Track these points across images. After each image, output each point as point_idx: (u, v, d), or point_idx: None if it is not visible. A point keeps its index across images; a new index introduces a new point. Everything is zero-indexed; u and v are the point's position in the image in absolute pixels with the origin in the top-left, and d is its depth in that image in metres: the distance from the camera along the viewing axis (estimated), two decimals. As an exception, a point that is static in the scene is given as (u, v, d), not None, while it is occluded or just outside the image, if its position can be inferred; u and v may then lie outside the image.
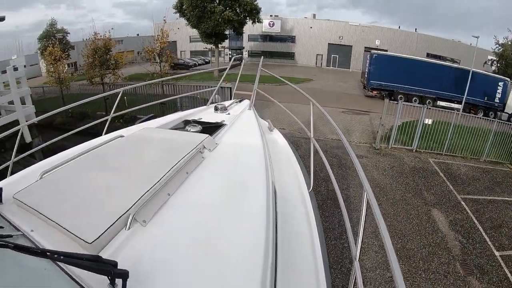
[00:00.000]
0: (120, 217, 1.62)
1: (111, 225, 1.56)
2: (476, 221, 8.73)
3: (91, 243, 1.44)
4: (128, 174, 2.15)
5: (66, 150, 2.92)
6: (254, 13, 32.52)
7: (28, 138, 7.31)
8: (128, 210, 1.67)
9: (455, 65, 25.88)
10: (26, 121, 7.02)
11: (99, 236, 1.48)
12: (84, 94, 20.17)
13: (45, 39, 33.26)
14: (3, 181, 2.34)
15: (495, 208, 9.58)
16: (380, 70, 23.87)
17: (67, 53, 27.96)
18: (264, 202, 1.97)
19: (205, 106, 4.55)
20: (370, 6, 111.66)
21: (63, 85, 16.53)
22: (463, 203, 9.64)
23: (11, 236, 1.49)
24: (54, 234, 1.59)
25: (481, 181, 11.43)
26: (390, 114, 13.42)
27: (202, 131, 3.20)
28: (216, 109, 4.18)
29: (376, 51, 26.68)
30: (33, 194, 1.89)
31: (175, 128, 3.47)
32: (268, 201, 2.00)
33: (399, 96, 23.74)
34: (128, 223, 1.63)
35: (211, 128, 3.32)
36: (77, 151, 2.67)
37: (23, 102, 8.82)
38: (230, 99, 5.28)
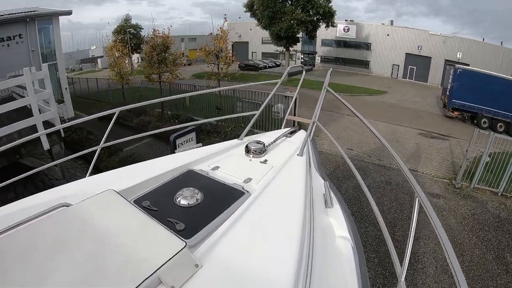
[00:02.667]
0: None
1: None
2: None
3: None
4: None
5: None
6: (328, 16, 30.88)
7: (46, 145, 6.61)
8: None
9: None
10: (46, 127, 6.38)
11: None
12: (143, 89, 20.40)
13: (117, 33, 34.99)
14: None
15: None
16: (464, 88, 20.71)
17: (128, 48, 28.86)
18: None
19: (236, 140, 3.09)
20: (453, 15, 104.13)
21: (124, 80, 16.59)
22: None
23: None
24: None
25: None
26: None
27: (198, 206, 1.91)
28: (247, 150, 2.67)
29: (461, 65, 23.53)
30: None
31: (158, 190, 2.15)
32: None
33: (483, 121, 20.74)
34: None
35: (215, 202, 1.96)
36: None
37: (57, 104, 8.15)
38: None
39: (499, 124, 20.57)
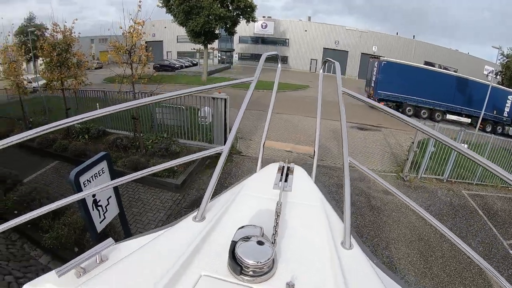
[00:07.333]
0: None
1: None
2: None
3: None
4: None
5: None
6: (248, 11, 29.82)
7: None
8: None
9: (470, 78, 23.59)
10: None
11: None
12: (45, 99, 17.06)
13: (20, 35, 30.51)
14: None
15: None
16: (389, 79, 21.64)
17: (32, 51, 24.87)
18: None
19: (192, 222, 1.30)
20: (365, 13, 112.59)
21: (21, 91, 13.16)
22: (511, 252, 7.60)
23: None
24: None
25: (521, 218, 9.48)
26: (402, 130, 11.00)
27: None
28: (239, 270, 0.93)
29: (386, 58, 24.29)
30: None
31: None
32: None
33: (408, 109, 21.81)
34: None
35: None
36: None
37: None
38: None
39: (422, 111, 22.07)
